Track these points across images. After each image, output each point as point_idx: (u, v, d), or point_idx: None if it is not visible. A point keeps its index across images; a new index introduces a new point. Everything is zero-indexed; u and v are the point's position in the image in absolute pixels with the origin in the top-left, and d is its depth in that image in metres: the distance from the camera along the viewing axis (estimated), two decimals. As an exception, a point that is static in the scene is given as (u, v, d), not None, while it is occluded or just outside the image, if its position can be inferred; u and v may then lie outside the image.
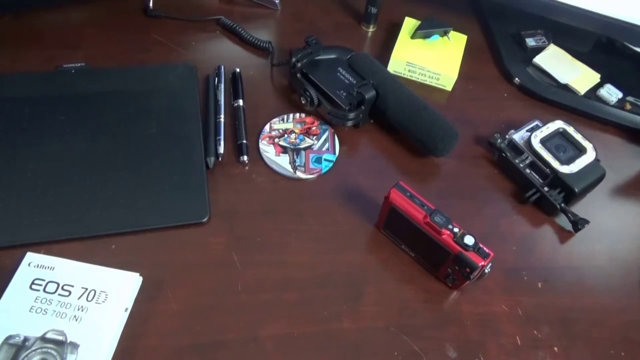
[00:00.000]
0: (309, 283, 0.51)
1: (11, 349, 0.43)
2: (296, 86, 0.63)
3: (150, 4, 0.71)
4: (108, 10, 0.71)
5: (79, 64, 0.63)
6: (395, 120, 0.60)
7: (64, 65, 0.63)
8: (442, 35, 0.70)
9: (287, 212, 0.55)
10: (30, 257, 0.48)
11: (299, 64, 0.61)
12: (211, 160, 0.56)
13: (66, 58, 0.64)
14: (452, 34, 0.71)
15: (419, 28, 0.70)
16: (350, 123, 0.60)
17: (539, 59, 0.70)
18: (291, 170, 0.58)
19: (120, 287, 0.47)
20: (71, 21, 0.70)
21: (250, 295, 0.49)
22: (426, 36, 0.70)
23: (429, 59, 0.67)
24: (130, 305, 0.47)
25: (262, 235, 0.53)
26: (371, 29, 0.74)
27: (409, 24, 0.71)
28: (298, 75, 0.61)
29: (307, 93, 0.60)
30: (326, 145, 0.60)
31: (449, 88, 0.68)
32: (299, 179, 0.57)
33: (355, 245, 0.54)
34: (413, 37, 0.70)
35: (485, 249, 0.46)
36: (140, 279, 0.48)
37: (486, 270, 0.47)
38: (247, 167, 0.58)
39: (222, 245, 0.52)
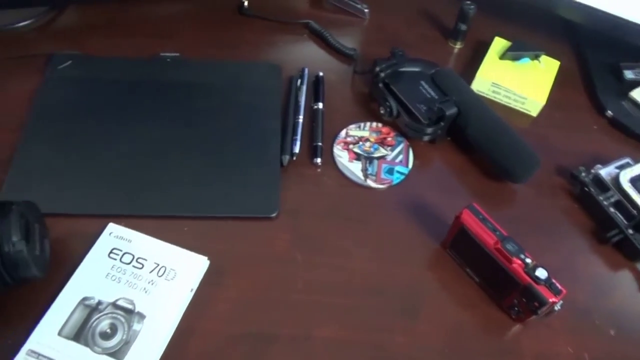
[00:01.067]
0: (366, 291, 0.51)
1: (86, 309, 0.46)
2: (377, 95, 0.63)
3: (245, 3, 0.74)
4: (205, 6, 0.75)
5: (174, 54, 0.67)
6: (475, 140, 0.58)
7: (160, 53, 0.67)
8: (532, 59, 0.68)
9: (354, 219, 0.55)
10: (112, 227, 0.51)
11: (382, 74, 0.61)
12: (286, 158, 0.58)
13: (162, 47, 0.68)
14: (544, 58, 0.68)
15: (509, 49, 0.68)
16: (427, 138, 0.60)
17: (636, 93, 0.66)
18: (362, 177, 0.58)
19: (189, 268, 0.49)
20: (170, 13, 0.74)
21: (307, 294, 0.50)
22: (515, 58, 0.68)
23: (516, 81, 0.65)
24: (195, 287, 0.49)
25: (326, 237, 0.54)
26: (458, 46, 0.73)
27: (498, 44, 0.70)
28: (380, 84, 0.62)
29: (387, 103, 0.60)
30: (400, 157, 0.60)
31: (534, 114, 0.66)
32: (369, 188, 0.58)
33: (417, 260, 0.53)
34: (502, 57, 0.68)
35: (557, 285, 0.44)
36: (208, 262, 0.50)
37: (556, 308, 0.45)
38: (319, 169, 0.59)
39: (286, 242, 0.53)
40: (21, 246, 0.42)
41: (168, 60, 0.66)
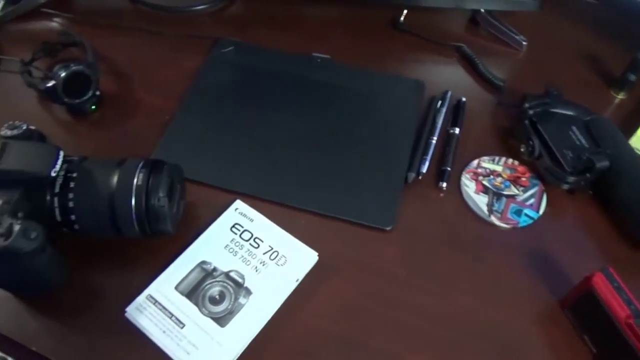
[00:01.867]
0: (467, 328, 0.49)
1: (202, 272, 0.50)
2: (519, 132, 0.60)
3: (401, 18, 0.75)
4: (362, 15, 0.77)
5: (325, 56, 0.70)
6: (623, 200, 0.53)
7: (312, 53, 0.70)
8: None
9: (469, 252, 0.53)
10: (238, 204, 0.55)
11: (530, 111, 0.59)
12: (411, 176, 0.57)
13: (315, 47, 0.71)
14: None
15: (683, 110, 0.61)
16: (566, 186, 0.56)
17: None
18: (486, 212, 0.55)
19: (299, 259, 0.51)
20: (327, 17, 0.78)
21: (406, 314, 0.49)
22: (689, 121, 0.61)
23: (685, 147, 0.58)
24: (301, 278, 0.50)
25: (436, 263, 0.52)
26: (620, 96, 0.67)
27: (671, 102, 0.63)
28: (526, 121, 0.59)
29: (530, 142, 0.57)
30: (531, 201, 0.56)
31: (700, 186, 0.58)
32: (492, 224, 0.55)
33: (529, 312, 0.50)
34: (672, 117, 0.61)
35: (696, 383, 0.39)
36: (317, 258, 0.51)
37: (688, 408, 0.39)
38: (442, 194, 0.58)
39: (395, 258, 0.53)
40: (164, 202, 0.47)
41: (318, 60, 0.69)
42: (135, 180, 0.46)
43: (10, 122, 0.48)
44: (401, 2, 0.73)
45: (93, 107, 0.63)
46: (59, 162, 0.46)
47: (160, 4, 0.76)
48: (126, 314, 0.47)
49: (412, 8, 0.74)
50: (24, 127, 0.48)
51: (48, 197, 0.46)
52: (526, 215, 0.55)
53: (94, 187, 0.47)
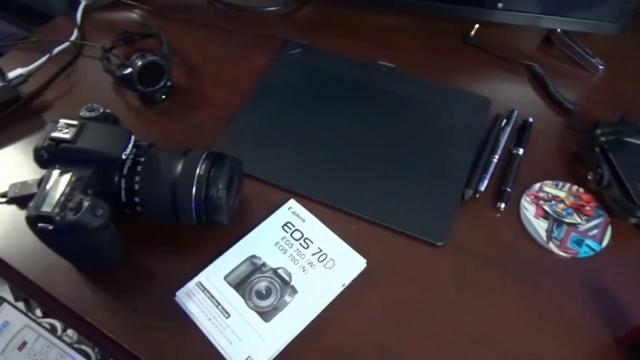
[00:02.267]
0: (512, 355, 0.47)
1: (251, 266, 0.51)
2: (588, 159, 0.58)
3: (472, 33, 0.73)
4: (432, 27, 0.77)
5: (390, 65, 0.70)
6: (698, 242, 0.50)
7: (378, 61, 0.70)
8: None
9: (522, 277, 0.51)
10: (292, 203, 0.55)
11: (602, 138, 0.56)
12: (469, 193, 0.56)
13: (381, 55, 0.71)
14: None
15: None
16: (634, 220, 0.53)
17: None
18: (544, 238, 0.53)
19: (347, 264, 0.51)
20: (396, 26, 0.78)
21: (449, 332, 0.48)
22: None
23: None
24: (347, 283, 0.50)
25: (486, 285, 0.51)
26: (703, 131, 0.63)
27: None
28: (596, 148, 0.56)
29: (599, 170, 0.55)
30: (594, 232, 0.54)
31: None
32: (549, 252, 0.53)
33: (582, 347, 0.47)
34: None
35: None
36: (365, 265, 0.51)
37: None
38: (499, 215, 0.56)
39: (444, 274, 0.52)
40: (223, 194, 0.48)
41: (383, 69, 0.69)
42: (197, 171, 0.48)
43: (89, 105, 0.51)
44: (474, 17, 0.72)
45: (163, 96, 0.66)
46: (130, 145, 0.48)
47: (234, 3, 0.79)
48: (176, 298, 0.49)
49: (484, 23, 0.73)
50: (101, 110, 0.51)
51: (116, 178, 0.48)
52: (587, 246, 0.53)
53: (159, 173, 0.49)
